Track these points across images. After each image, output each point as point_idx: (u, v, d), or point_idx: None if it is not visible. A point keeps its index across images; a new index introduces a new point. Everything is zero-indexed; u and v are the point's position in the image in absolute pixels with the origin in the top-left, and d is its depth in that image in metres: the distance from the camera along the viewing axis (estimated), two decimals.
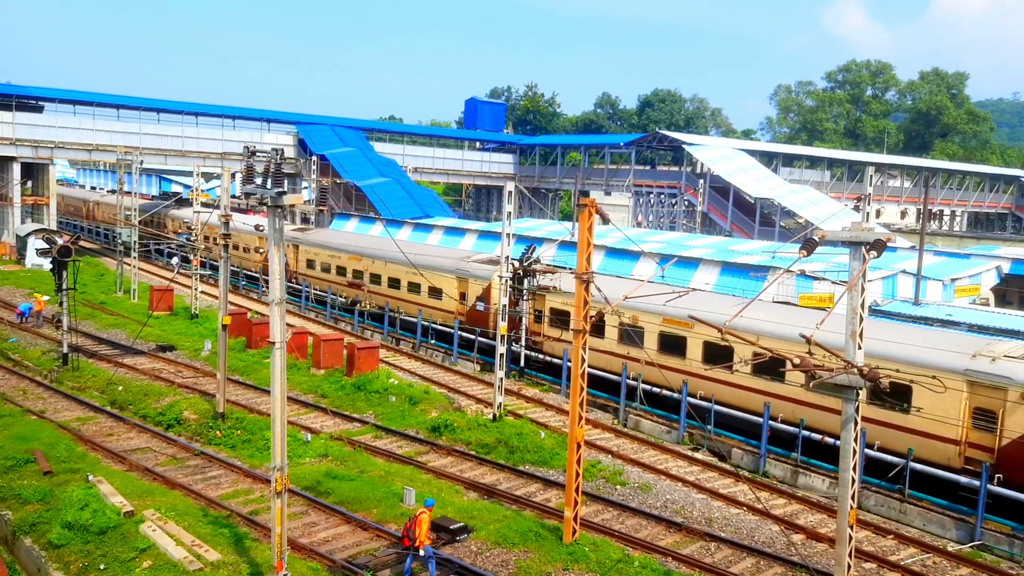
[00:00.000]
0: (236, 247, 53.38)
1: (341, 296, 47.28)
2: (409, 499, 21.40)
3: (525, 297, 34.78)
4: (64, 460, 23.68)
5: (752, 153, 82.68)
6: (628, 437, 28.62)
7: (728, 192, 73.71)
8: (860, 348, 14.23)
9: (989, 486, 21.33)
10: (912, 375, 18.74)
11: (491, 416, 28.78)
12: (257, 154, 16.64)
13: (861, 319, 14.23)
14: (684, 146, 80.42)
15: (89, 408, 29.41)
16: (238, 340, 37.21)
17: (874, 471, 23.58)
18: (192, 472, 23.76)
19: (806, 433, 25.16)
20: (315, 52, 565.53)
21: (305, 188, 78.93)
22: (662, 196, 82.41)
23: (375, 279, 45.18)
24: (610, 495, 23.21)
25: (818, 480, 24.62)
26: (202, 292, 46.70)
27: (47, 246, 34.92)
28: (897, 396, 22.53)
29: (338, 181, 75.00)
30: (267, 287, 47.05)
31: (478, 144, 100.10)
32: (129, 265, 50.68)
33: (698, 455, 27.17)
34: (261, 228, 50.55)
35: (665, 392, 29.48)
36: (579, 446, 19.55)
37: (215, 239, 53.44)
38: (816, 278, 37.26)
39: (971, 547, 21.11)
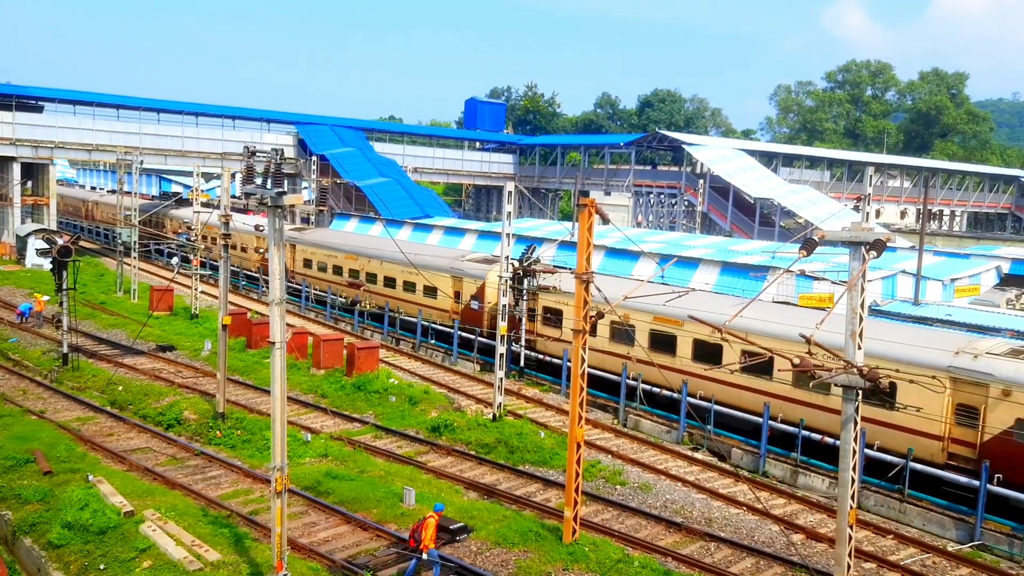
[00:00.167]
0: (234, 247, 53.42)
1: (341, 296, 47.34)
2: (409, 499, 21.40)
3: (525, 297, 34.79)
4: (64, 460, 23.69)
5: (752, 153, 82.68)
6: (628, 437, 28.63)
7: (728, 192, 73.72)
8: (860, 348, 14.24)
9: (973, 481, 21.67)
10: (897, 372, 18.83)
11: (491, 416, 28.78)
12: (257, 154, 16.65)
13: (861, 319, 14.24)
14: (684, 146, 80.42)
15: (89, 408, 29.41)
16: (238, 340, 37.22)
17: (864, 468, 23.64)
18: (192, 472, 23.77)
19: (806, 433, 25.19)
20: (315, 52, 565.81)
21: (305, 188, 79.01)
22: (662, 196, 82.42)
23: (371, 278, 45.41)
24: (610, 495, 23.21)
25: (818, 480, 24.63)
26: (202, 292, 46.71)
27: (47, 246, 34.91)
28: (882, 393, 22.67)
29: (338, 181, 74.99)
30: (266, 287, 47.20)
31: (478, 144, 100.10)
32: (129, 265, 50.69)
33: (698, 455, 27.18)
34: (261, 228, 50.56)
35: (655, 389, 29.75)
36: (579, 446, 19.55)
37: (213, 239, 53.52)
38: (816, 278, 37.28)
39: (971, 547, 21.12)
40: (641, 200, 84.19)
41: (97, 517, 19.34)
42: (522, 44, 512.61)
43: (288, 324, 17.80)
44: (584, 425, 19.94)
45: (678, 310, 27.60)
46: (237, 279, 55.08)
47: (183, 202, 68.79)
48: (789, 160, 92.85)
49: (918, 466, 22.66)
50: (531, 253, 35.08)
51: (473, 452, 26.20)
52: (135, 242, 49.82)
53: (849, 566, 15.01)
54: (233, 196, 51.23)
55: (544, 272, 34.43)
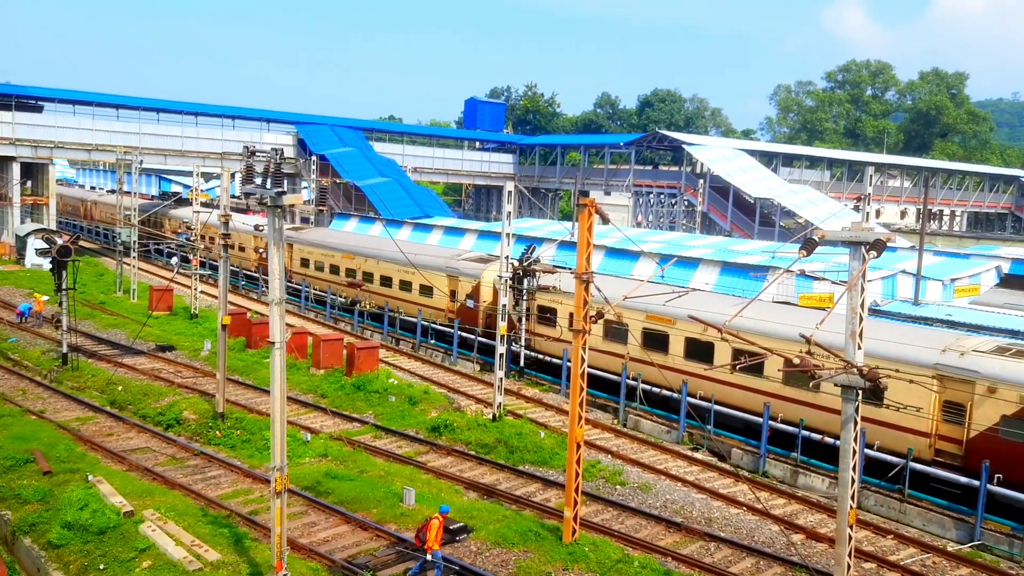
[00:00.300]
0: (232, 246, 53.50)
1: (341, 296, 47.38)
2: (409, 499, 21.39)
3: (525, 297, 34.78)
4: (64, 460, 23.68)
5: (752, 153, 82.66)
6: (628, 437, 28.62)
7: (728, 192, 73.71)
8: (860, 348, 14.23)
9: (956, 477, 21.89)
10: (877, 368, 18.91)
11: (491, 416, 28.77)
12: (257, 154, 16.63)
13: (861, 319, 14.23)
14: (684, 146, 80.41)
15: (89, 408, 29.40)
16: (238, 340, 37.21)
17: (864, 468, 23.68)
18: (192, 472, 23.76)
19: (805, 433, 25.20)
20: (315, 52, 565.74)
21: (305, 188, 78.99)
22: (662, 196, 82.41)
23: (367, 277, 45.64)
24: (610, 495, 23.21)
25: (818, 480, 24.63)
26: (201, 292, 46.70)
27: (47, 246, 34.89)
28: (871, 390, 22.82)
29: (338, 181, 74.99)
30: (265, 286, 47.20)
31: (478, 144, 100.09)
32: (128, 265, 50.69)
33: (698, 455, 27.17)
34: (261, 228, 50.55)
35: (651, 388, 29.98)
36: (579, 446, 19.54)
37: (211, 238, 53.54)
38: (816, 278, 37.27)
39: (971, 547, 21.12)
40: (641, 200, 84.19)
41: (97, 517, 19.33)
42: (522, 44, 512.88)
43: (288, 324, 17.80)
44: (584, 425, 19.93)
45: (670, 308, 27.89)
46: (237, 279, 55.07)
47: (183, 202, 68.77)
48: (789, 160, 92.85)
49: (918, 466, 22.67)
50: (531, 253, 35.08)
51: (473, 452, 26.19)
52: (135, 242, 49.82)
53: (849, 566, 15.00)
54: (233, 196, 51.29)
55: (544, 272, 34.42)
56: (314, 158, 74.66)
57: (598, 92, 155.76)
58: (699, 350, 28.20)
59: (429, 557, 17.39)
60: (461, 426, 27.70)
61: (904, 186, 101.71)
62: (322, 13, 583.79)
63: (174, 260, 60.99)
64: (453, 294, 39.75)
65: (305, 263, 51.12)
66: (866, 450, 23.31)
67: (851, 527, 14.82)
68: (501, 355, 28.88)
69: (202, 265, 51.13)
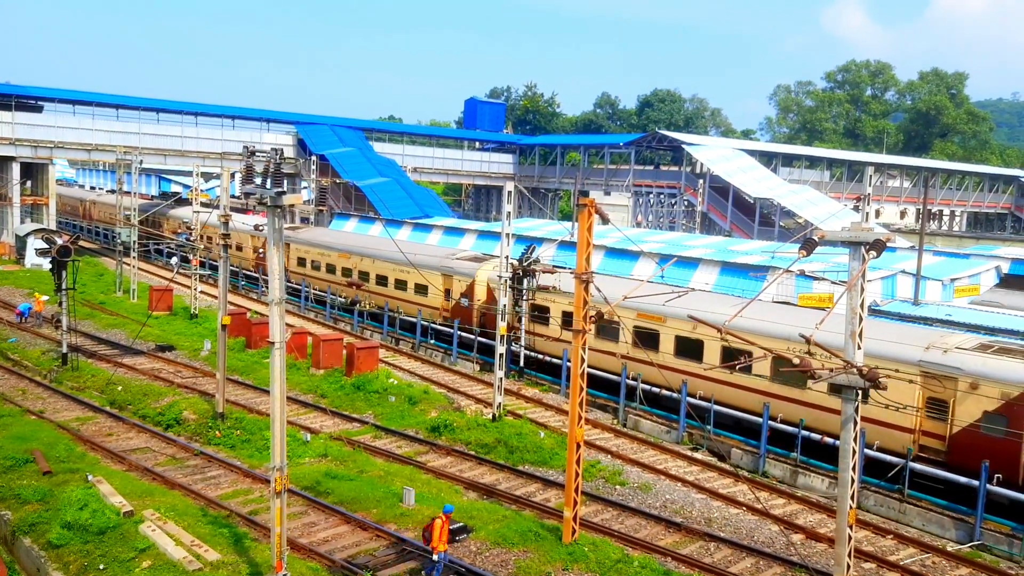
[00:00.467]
0: (229, 246, 53.60)
1: (341, 296, 47.44)
2: (408, 499, 21.39)
3: (525, 297, 34.78)
4: (63, 460, 23.68)
5: (752, 153, 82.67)
6: (627, 437, 28.62)
7: (727, 192, 73.71)
8: (860, 348, 14.23)
9: (956, 477, 22.03)
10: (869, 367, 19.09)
11: (491, 416, 28.77)
12: (256, 154, 16.64)
13: (861, 319, 14.23)
14: (683, 146, 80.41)
15: (88, 408, 29.40)
16: (237, 340, 37.21)
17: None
18: (191, 472, 23.76)
19: (805, 433, 25.21)
20: (315, 52, 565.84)
21: (305, 188, 78.96)
22: (661, 196, 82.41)
23: (363, 276, 45.97)
24: (609, 495, 23.21)
25: (817, 480, 24.63)
26: (201, 292, 46.70)
27: (46, 246, 34.88)
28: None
29: (337, 181, 74.98)
30: (264, 286, 47.18)
31: (478, 144, 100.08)
32: (128, 265, 50.68)
33: (697, 455, 27.18)
34: (260, 228, 50.56)
35: (642, 385, 30.25)
36: (579, 446, 19.54)
37: (210, 238, 53.54)
38: (815, 278, 37.27)
39: (970, 547, 21.12)
40: (641, 200, 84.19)
41: (96, 517, 19.33)
42: (522, 44, 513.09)
43: (287, 324, 17.80)
44: (584, 425, 19.93)
45: (660, 307, 28.22)
46: (236, 279, 55.07)
47: (182, 202, 68.75)
48: (789, 160, 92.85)
49: (918, 466, 22.69)
50: (530, 253, 35.08)
51: (473, 452, 26.19)
52: (134, 242, 49.81)
53: (849, 566, 15.00)
54: (233, 196, 51.28)
55: (544, 272, 34.42)
56: (314, 158, 74.67)
57: (598, 92, 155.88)
58: (689, 348, 28.58)
59: (435, 558, 17.35)
60: (461, 426, 27.70)
61: (904, 186, 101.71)
62: (322, 13, 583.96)
63: (174, 260, 60.99)
64: (448, 293, 40.10)
65: (302, 262, 51.36)
66: (866, 450, 23.35)
67: (851, 527, 14.83)
68: (501, 355, 28.89)
69: (202, 265, 51.12)
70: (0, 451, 23.96)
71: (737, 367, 26.17)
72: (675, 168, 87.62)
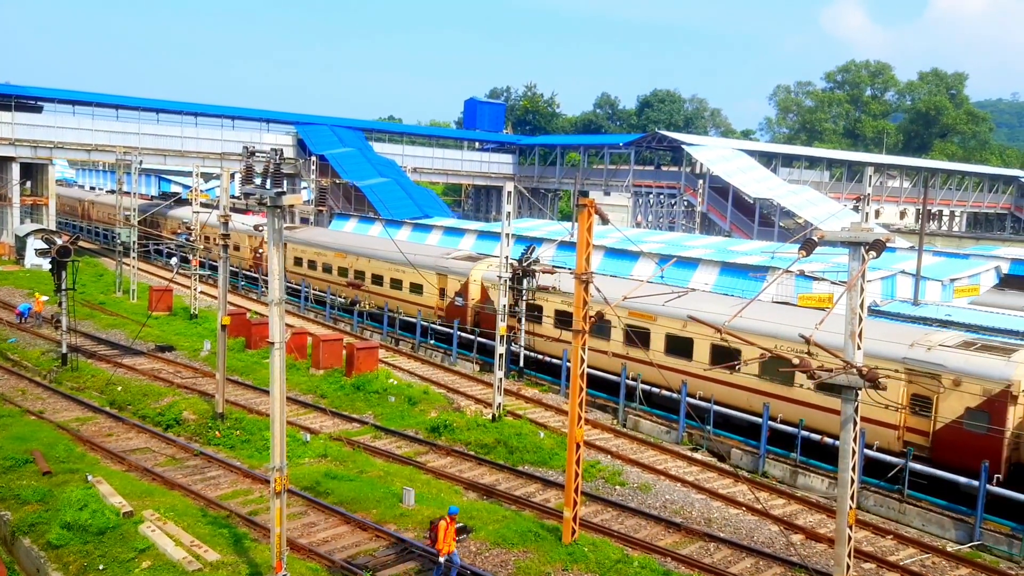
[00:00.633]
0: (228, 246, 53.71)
1: (340, 297, 47.50)
2: (408, 499, 21.39)
3: (524, 298, 34.78)
4: (63, 460, 23.67)
5: (751, 153, 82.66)
6: (627, 437, 28.62)
7: (727, 192, 73.71)
8: (859, 348, 14.23)
9: (926, 468, 22.29)
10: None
11: (490, 416, 28.77)
12: (256, 154, 16.66)
13: (860, 319, 14.23)
14: (683, 146, 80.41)
15: (88, 408, 29.39)
16: (237, 340, 37.20)
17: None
18: (191, 472, 23.75)
19: (805, 433, 25.22)
20: (315, 52, 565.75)
21: (304, 188, 78.96)
22: (661, 196, 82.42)
23: (359, 276, 46.34)
24: (609, 495, 23.21)
25: (817, 480, 24.64)
26: (201, 292, 46.69)
27: (46, 246, 34.87)
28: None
29: (337, 181, 74.96)
30: (263, 286, 47.14)
31: (477, 144, 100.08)
32: (128, 265, 50.67)
33: (697, 455, 27.18)
34: (260, 228, 50.57)
35: (631, 382, 30.66)
36: (578, 446, 19.54)
37: (208, 238, 53.54)
38: (815, 278, 37.26)
39: (970, 547, 21.13)
40: (640, 200, 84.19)
41: (96, 517, 19.32)
42: (522, 44, 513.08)
43: (287, 324, 17.80)
44: (583, 425, 19.93)
45: (650, 305, 28.61)
46: (236, 279, 55.07)
47: (182, 202, 68.73)
48: (788, 160, 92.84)
49: (917, 466, 22.70)
50: (530, 253, 35.09)
51: (472, 452, 26.20)
52: (134, 242, 49.81)
53: (849, 566, 15.00)
54: (233, 196, 51.32)
55: (544, 272, 34.44)
56: (313, 158, 74.68)
57: (598, 92, 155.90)
58: (679, 346, 28.93)
59: (441, 560, 17.30)
60: (461, 426, 27.70)
61: (903, 186, 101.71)
62: (322, 13, 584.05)
63: (173, 260, 60.99)
64: (442, 292, 40.38)
65: (298, 262, 51.66)
66: (866, 451, 23.37)
67: (850, 527, 14.83)
68: (500, 355, 28.90)
69: (201, 265, 51.11)
70: (0, 451, 23.96)
71: (735, 368, 26.40)
72: (675, 168, 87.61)
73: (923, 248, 40.88)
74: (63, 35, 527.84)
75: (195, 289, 45.22)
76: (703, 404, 27.94)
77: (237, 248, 56.82)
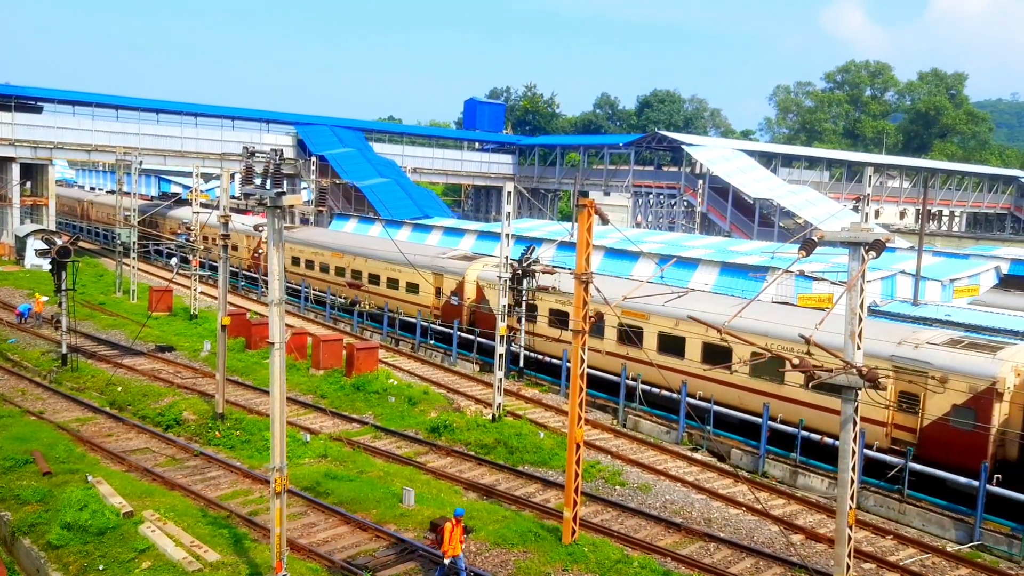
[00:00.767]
0: (228, 246, 53.78)
1: (340, 297, 47.54)
2: (408, 500, 21.40)
3: (524, 298, 34.76)
4: (63, 461, 23.67)
5: (751, 154, 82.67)
6: (627, 437, 28.62)
7: (727, 193, 73.72)
8: (859, 348, 14.23)
9: (912, 464, 22.40)
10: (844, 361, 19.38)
11: (490, 416, 28.78)
12: (256, 155, 16.66)
13: (860, 319, 14.23)
14: (683, 147, 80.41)
15: (88, 409, 29.39)
16: (237, 340, 37.20)
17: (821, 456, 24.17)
18: (191, 473, 23.75)
19: (805, 434, 25.24)
20: (315, 52, 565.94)
21: (304, 189, 78.95)
22: (661, 197, 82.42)
23: (356, 275, 46.49)
24: (609, 495, 23.21)
25: (817, 480, 24.64)
26: (201, 293, 46.69)
27: (46, 247, 34.88)
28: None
29: (337, 182, 74.98)
30: (263, 286, 47.13)
31: (477, 145, 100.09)
32: (128, 266, 50.67)
33: (697, 455, 27.18)
34: (260, 228, 50.59)
35: (634, 384, 30.84)
36: (578, 446, 19.55)
37: (206, 238, 53.56)
38: (815, 278, 37.26)
39: (970, 547, 21.13)
40: (640, 200, 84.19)
41: (96, 518, 19.32)
42: (522, 44, 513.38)
43: (287, 324, 17.79)
44: (583, 425, 19.94)
45: (643, 304, 28.87)
46: (236, 279, 55.07)
47: (182, 202, 68.73)
48: (788, 160, 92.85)
49: (917, 466, 22.72)
50: (530, 253, 35.08)
51: (472, 453, 26.20)
52: (134, 243, 49.80)
53: (849, 566, 15.01)
54: (233, 197, 51.31)
55: (544, 272, 34.43)
56: (313, 159, 74.68)
57: (597, 92, 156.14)
58: (671, 344, 29.19)
59: (447, 562, 17.25)
60: (460, 427, 27.70)
61: (903, 187, 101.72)
62: (322, 13, 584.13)
63: (173, 261, 60.98)
64: (438, 291, 40.58)
65: (296, 262, 51.87)
66: (865, 451, 23.38)
67: (850, 527, 14.83)
68: (500, 356, 28.90)
69: (201, 266, 51.11)
70: (0, 452, 23.96)
71: (730, 368, 26.56)
72: (675, 169, 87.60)
73: (923, 248, 40.88)
74: (63, 35, 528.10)
75: (195, 289, 45.22)
76: (703, 404, 27.95)
77: (235, 248, 56.85)
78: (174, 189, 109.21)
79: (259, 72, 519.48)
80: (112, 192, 78.72)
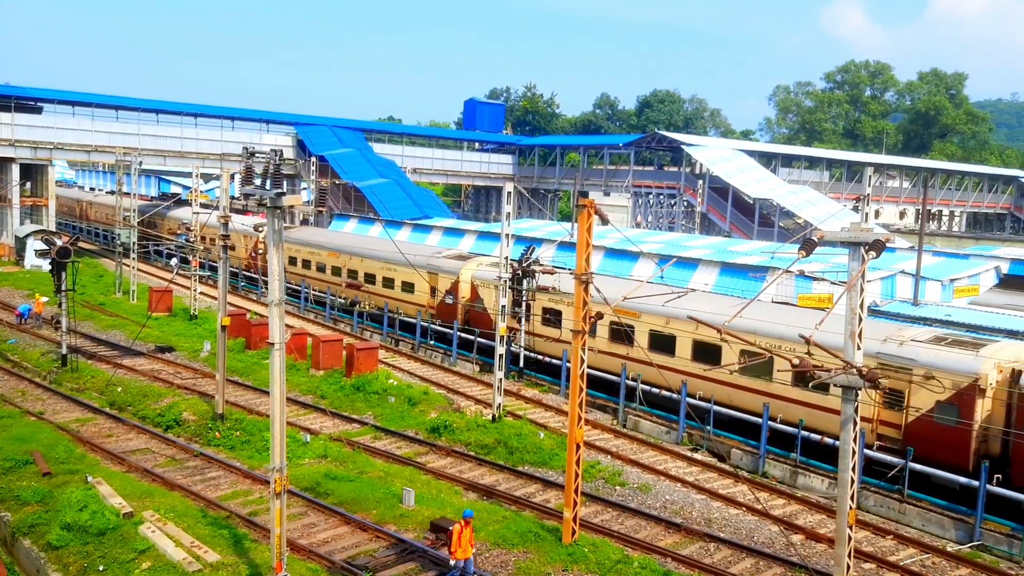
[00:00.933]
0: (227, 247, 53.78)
1: (340, 297, 47.58)
2: (408, 500, 21.39)
3: (525, 298, 34.77)
4: (63, 461, 23.66)
5: (751, 154, 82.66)
6: (627, 438, 28.62)
7: (727, 193, 73.72)
8: (859, 348, 14.23)
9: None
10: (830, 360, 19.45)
11: (490, 417, 28.77)
12: (256, 155, 16.68)
13: (860, 319, 14.23)
14: (683, 147, 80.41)
15: (88, 409, 29.39)
16: (237, 341, 37.20)
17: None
18: (191, 473, 23.75)
19: (805, 434, 25.24)
20: (315, 52, 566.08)
21: (304, 189, 78.93)
22: (661, 197, 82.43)
23: (352, 274, 46.76)
24: (609, 496, 23.21)
25: (817, 480, 24.64)
26: (201, 293, 46.69)
27: (46, 247, 34.88)
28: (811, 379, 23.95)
29: (337, 182, 74.99)
30: (263, 286, 47.19)
31: (477, 145, 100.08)
32: (128, 266, 50.66)
33: (697, 455, 27.18)
34: (260, 229, 50.58)
35: (634, 384, 31.02)
36: (578, 447, 19.54)
37: (203, 238, 53.58)
38: (815, 278, 37.26)
39: (970, 547, 21.12)
40: (640, 201, 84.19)
41: (96, 518, 19.31)
42: (522, 44, 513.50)
43: (287, 325, 17.79)
44: (583, 426, 19.94)
45: (635, 303, 29.01)
46: (236, 280, 55.06)
47: (182, 203, 68.70)
48: (788, 160, 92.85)
49: (917, 466, 22.72)
50: (530, 254, 35.08)
51: (472, 453, 26.19)
52: (134, 243, 49.80)
53: (849, 566, 15.01)
54: (232, 197, 51.30)
55: (544, 272, 34.44)
56: (313, 159, 74.65)
57: (597, 93, 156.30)
58: (662, 342, 29.46)
59: (452, 563, 17.20)
60: (461, 427, 27.70)
61: (903, 187, 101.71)
62: (322, 13, 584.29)
63: (173, 261, 60.97)
64: (433, 290, 40.79)
65: (293, 261, 52.03)
66: (865, 451, 23.38)
67: (851, 527, 14.83)
68: (500, 356, 28.90)
69: (201, 266, 51.11)
70: (0, 452, 23.95)
71: (719, 366, 26.69)
72: (674, 169, 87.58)
73: (923, 248, 40.87)
74: (63, 35, 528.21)
75: (195, 290, 45.22)
76: (703, 404, 27.96)
77: (233, 248, 56.86)
78: (174, 189, 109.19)
79: (259, 72, 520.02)
80: (112, 192, 78.71)
